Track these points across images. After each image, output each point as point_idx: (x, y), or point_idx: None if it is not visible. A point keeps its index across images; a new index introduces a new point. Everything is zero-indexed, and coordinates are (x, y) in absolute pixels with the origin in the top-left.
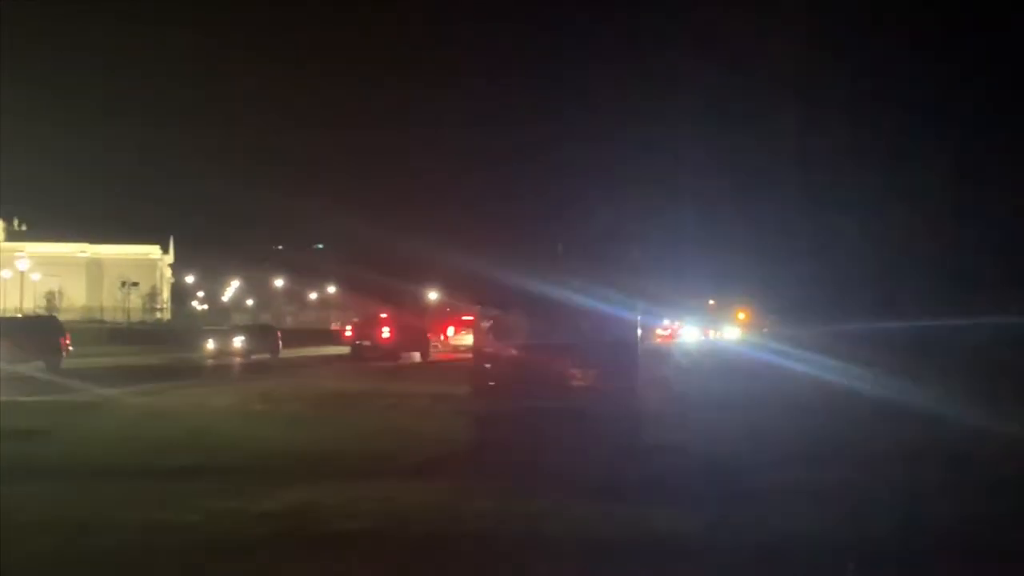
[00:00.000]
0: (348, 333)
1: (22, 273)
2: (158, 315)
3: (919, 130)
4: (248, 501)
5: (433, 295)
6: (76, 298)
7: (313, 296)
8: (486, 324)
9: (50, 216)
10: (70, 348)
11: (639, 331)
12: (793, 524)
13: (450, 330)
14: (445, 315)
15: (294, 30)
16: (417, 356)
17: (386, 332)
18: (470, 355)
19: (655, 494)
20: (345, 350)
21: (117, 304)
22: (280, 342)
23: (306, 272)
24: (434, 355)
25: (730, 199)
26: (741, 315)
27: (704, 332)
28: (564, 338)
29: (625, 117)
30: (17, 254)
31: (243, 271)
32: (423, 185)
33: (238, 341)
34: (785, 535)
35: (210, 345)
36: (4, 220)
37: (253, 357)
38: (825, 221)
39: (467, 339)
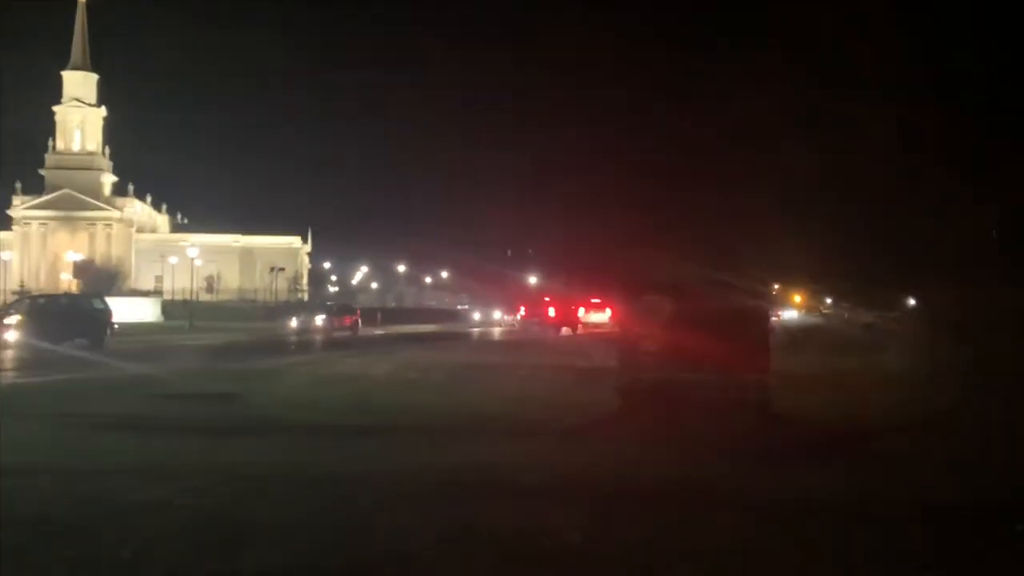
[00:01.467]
0: (521, 312)
1: (192, 259)
2: (300, 296)
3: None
4: (433, 456)
5: (534, 280)
6: (231, 281)
7: (428, 280)
8: (634, 305)
9: (208, 210)
10: (115, 326)
11: (770, 312)
12: (929, 483)
13: (581, 311)
14: (575, 299)
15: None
16: (568, 330)
17: (552, 311)
18: (600, 331)
19: (797, 457)
20: (433, 328)
21: (266, 286)
22: (360, 320)
23: (424, 258)
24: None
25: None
26: (797, 298)
27: (775, 314)
28: (704, 318)
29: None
30: (182, 243)
31: (370, 258)
32: (557, 179)
33: (320, 319)
34: (915, 494)
35: (293, 323)
36: (169, 214)
37: (335, 334)
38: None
39: (595, 318)
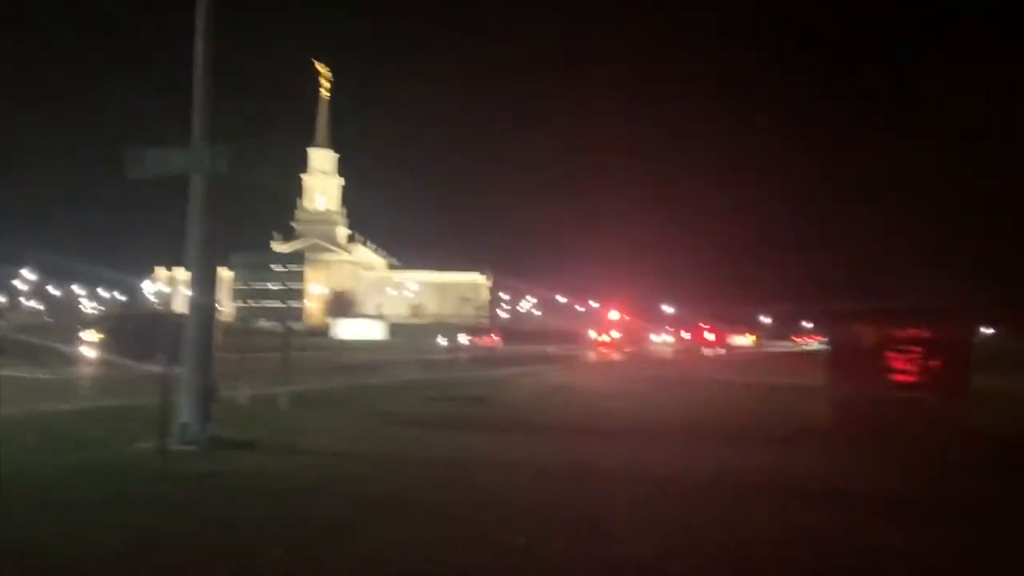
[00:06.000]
0: (685, 335)
1: (407, 292)
2: (482, 319)
3: None
4: (717, 459)
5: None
6: (431, 308)
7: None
8: (845, 330)
9: (413, 253)
10: None
11: (971, 335)
12: None
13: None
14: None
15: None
16: (722, 351)
17: (711, 336)
18: (744, 352)
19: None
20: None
21: (456, 311)
22: (500, 338)
23: (575, 289)
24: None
25: None
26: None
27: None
28: (904, 340)
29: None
30: (395, 279)
31: (533, 290)
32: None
33: (463, 338)
34: None
35: (441, 341)
36: (383, 256)
37: (478, 351)
38: None
39: (739, 341)
